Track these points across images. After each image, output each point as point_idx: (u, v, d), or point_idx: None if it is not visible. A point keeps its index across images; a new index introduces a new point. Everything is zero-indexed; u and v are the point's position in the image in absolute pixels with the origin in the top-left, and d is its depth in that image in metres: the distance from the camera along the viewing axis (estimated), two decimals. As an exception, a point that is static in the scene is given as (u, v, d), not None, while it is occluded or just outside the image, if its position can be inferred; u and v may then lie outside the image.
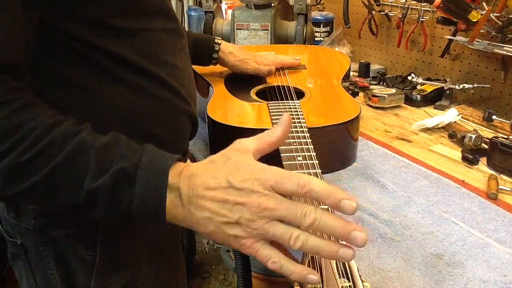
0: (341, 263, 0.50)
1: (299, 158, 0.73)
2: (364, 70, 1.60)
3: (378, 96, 1.33)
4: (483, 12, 1.23)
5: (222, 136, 0.89)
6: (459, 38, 1.37)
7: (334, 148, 0.93)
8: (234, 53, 1.05)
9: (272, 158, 0.80)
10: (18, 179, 0.47)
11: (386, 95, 1.33)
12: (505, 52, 1.24)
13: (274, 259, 0.45)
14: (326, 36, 1.81)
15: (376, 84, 1.54)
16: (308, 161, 0.72)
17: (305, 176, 0.44)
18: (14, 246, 0.70)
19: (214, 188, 0.46)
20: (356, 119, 0.94)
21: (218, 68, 1.16)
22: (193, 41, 0.96)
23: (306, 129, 0.80)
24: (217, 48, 1.02)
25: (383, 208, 0.84)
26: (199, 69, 1.13)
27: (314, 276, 0.44)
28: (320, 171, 0.70)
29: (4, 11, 0.48)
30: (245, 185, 0.45)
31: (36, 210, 0.65)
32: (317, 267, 0.49)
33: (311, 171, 0.69)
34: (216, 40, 1.02)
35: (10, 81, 0.49)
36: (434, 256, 0.72)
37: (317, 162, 0.72)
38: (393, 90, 1.37)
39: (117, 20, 0.60)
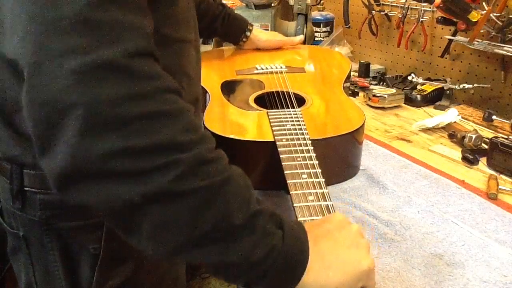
0: None
1: (304, 176, 0.69)
2: (364, 70, 1.60)
3: (378, 96, 1.33)
4: (483, 12, 1.23)
5: (221, 148, 0.87)
6: (459, 38, 1.37)
7: (339, 159, 0.89)
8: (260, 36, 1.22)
9: (275, 172, 0.75)
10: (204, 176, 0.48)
11: (386, 95, 1.33)
12: (505, 52, 1.24)
13: None
14: (326, 36, 1.81)
15: (376, 84, 1.54)
16: (314, 179, 0.68)
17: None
18: (15, 238, 0.70)
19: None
20: (361, 128, 0.89)
21: (214, 73, 1.14)
22: (228, 19, 1.08)
23: (309, 142, 0.77)
24: (248, 34, 1.16)
25: (383, 208, 0.84)
26: None
27: None
28: (327, 190, 0.66)
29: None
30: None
31: (43, 201, 0.65)
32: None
33: (318, 190, 0.66)
34: (249, 27, 1.19)
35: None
36: (434, 256, 0.72)
37: (323, 180, 0.68)
38: (393, 90, 1.37)
39: (164, 27, 0.61)
